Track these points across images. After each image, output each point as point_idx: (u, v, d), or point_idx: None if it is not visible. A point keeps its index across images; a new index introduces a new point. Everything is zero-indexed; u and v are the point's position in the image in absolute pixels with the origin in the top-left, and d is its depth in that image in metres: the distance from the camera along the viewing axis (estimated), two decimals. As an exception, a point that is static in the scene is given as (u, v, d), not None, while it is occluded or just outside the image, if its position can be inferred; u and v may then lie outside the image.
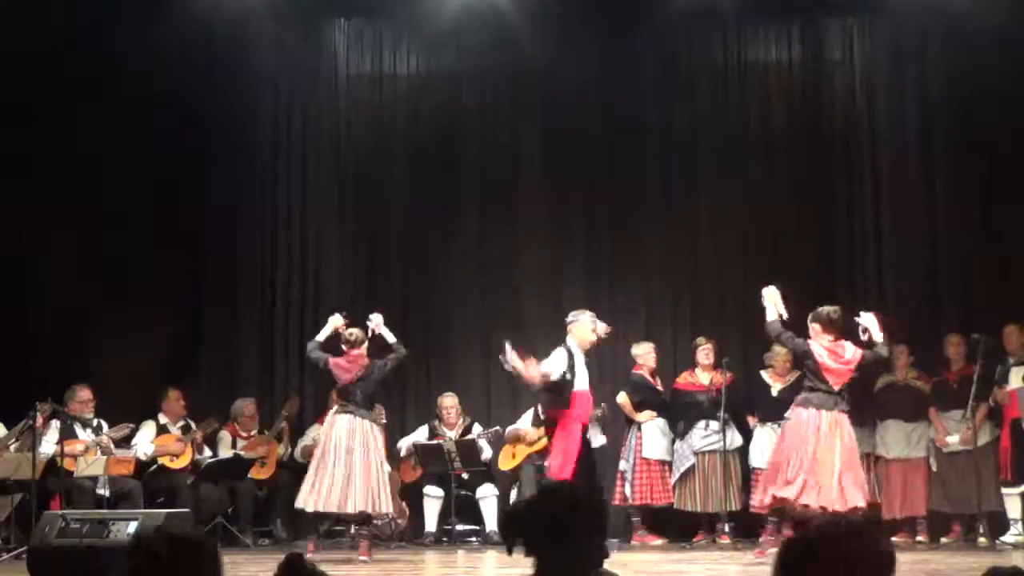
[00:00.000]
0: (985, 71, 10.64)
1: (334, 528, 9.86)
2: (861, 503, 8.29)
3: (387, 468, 9.23)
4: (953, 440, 9.74)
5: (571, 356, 8.38)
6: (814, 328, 8.47)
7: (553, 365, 8.31)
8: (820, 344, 8.40)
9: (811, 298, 10.47)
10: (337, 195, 11.41)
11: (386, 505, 8.75)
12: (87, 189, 10.55)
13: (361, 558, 8.60)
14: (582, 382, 8.42)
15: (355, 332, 8.97)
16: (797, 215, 11.09)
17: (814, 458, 8.15)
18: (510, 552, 3.20)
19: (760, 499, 8.70)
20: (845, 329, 8.57)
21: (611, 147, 11.22)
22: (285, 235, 11.32)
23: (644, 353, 10.33)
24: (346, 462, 8.59)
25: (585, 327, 8.51)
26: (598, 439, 9.82)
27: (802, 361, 8.65)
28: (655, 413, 10.19)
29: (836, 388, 8.31)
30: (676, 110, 11.34)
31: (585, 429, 8.48)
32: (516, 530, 3.18)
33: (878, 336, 8.44)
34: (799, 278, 10.94)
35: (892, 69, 11.23)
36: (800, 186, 11.11)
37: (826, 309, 8.50)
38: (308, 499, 8.63)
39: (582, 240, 11.24)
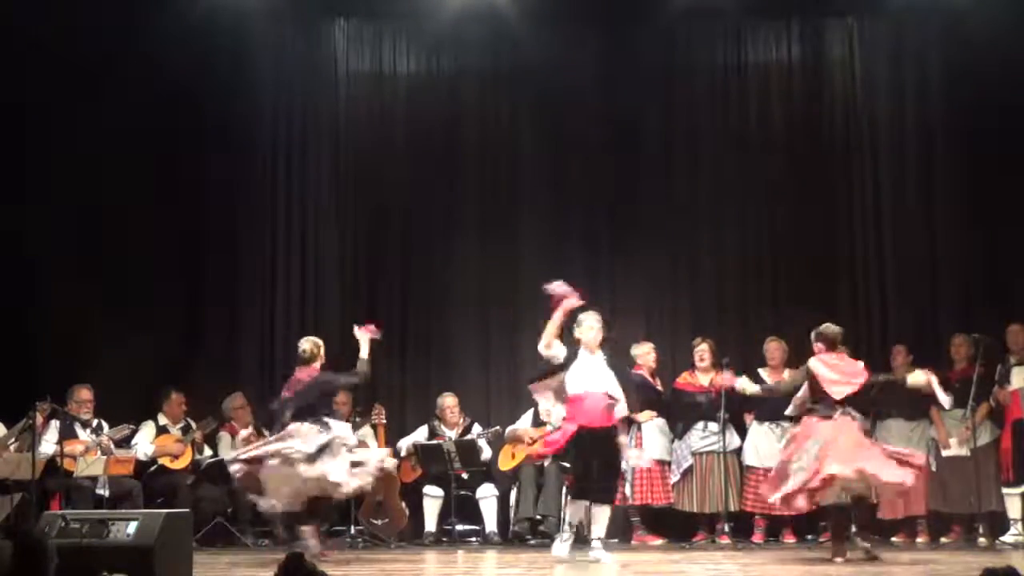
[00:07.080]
0: (985, 71, 10.65)
1: (335, 528, 9.88)
2: (894, 479, 8.05)
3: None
4: (953, 442, 9.73)
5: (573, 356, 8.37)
6: (818, 346, 8.45)
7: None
8: (820, 360, 8.38)
9: (811, 297, 10.53)
10: (337, 195, 11.41)
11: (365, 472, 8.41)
12: (87, 189, 10.55)
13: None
14: (587, 384, 8.35)
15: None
16: (796, 214, 11.09)
17: (827, 445, 8.03)
18: None
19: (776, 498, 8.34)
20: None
21: (611, 147, 11.23)
22: (285, 235, 11.33)
23: (644, 353, 10.31)
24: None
25: (589, 327, 8.48)
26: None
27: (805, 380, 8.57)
28: (655, 413, 10.20)
29: (838, 398, 8.25)
30: (676, 110, 11.35)
31: (594, 431, 8.28)
32: None
33: (943, 398, 8.73)
34: (799, 277, 10.98)
35: (892, 69, 11.24)
36: (799, 185, 11.12)
37: (830, 329, 8.47)
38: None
39: (582, 240, 11.24)
